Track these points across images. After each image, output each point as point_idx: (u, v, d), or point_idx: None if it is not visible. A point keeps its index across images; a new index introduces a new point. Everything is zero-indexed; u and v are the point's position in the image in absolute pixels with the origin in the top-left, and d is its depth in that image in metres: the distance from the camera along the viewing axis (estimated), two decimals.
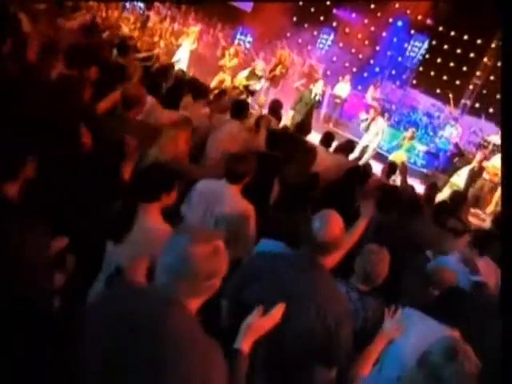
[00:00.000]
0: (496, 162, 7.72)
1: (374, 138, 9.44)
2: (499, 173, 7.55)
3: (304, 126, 5.55)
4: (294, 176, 4.17)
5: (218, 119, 4.88)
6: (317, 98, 9.65)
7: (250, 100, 8.36)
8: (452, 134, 10.74)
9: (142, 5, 13.26)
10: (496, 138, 10.67)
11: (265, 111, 6.24)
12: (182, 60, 9.16)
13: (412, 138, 9.31)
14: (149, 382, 1.20)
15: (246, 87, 8.89)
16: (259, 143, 4.52)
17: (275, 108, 5.37)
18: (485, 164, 7.53)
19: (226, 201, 2.86)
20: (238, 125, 4.49)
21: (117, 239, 2.15)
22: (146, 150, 3.14)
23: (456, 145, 10.24)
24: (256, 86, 9.08)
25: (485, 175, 7.72)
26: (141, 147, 2.84)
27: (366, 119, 9.56)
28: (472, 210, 6.93)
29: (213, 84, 8.75)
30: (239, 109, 4.60)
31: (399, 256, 2.69)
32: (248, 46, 13.45)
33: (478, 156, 7.60)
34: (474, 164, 7.48)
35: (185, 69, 8.85)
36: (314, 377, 1.82)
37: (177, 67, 7.88)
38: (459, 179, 7.21)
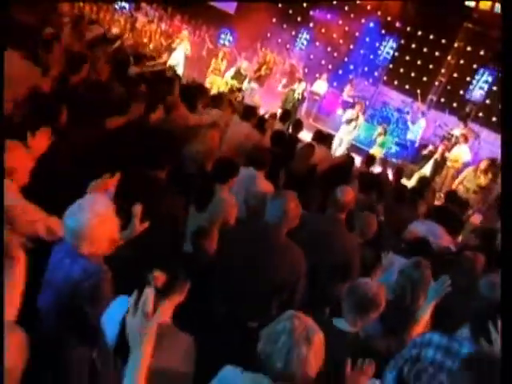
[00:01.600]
0: (456, 151, 9.22)
1: (352, 130, 10.77)
2: (459, 160, 9.14)
3: (298, 125, 6.80)
4: (297, 168, 5.40)
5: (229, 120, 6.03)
6: (297, 97, 10.91)
7: (240, 97, 9.54)
8: (419, 127, 12.23)
9: (126, 5, 14.07)
10: (458, 131, 12.23)
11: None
12: (178, 63, 10.23)
13: (382, 133, 10.64)
14: (266, 271, 2.40)
15: (238, 88, 10.07)
16: (266, 141, 5.72)
17: (285, 116, 6.72)
18: (447, 154, 9.01)
19: (256, 181, 4.06)
20: (249, 126, 5.68)
21: (200, 208, 3.31)
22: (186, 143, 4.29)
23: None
24: (243, 84, 10.28)
25: (448, 163, 9.23)
26: (182, 142, 3.98)
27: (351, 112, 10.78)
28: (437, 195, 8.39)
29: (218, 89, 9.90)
30: (249, 113, 5.83)
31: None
32: (228, 43, 14.53)
33: (440, 148, 9.08)
34: (437, 156, 8.96)
35: (181, 70, 9.93)
36: (337, 288, 3.05)
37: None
38: (426, 169, 8.67)
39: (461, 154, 8.95)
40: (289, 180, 5.42)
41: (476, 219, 7.20)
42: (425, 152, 10.14)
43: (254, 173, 3.92)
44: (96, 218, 1.94)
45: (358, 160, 8.00)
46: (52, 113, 3.11)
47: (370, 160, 6.82)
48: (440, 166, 8.88)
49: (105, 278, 1.96)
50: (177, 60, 10.26)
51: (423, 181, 6.07)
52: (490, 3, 11.10)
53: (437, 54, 15.11)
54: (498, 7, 10.88)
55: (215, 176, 3.29)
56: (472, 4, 11.69)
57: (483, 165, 7.87)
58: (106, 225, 1.98)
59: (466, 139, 9.62)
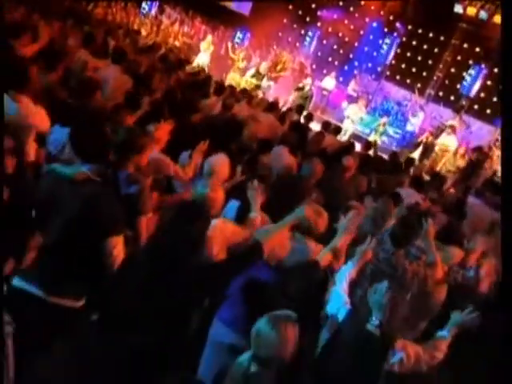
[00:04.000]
0: (444, 140, 11.22)
1: (355, 122, 12.77)
2: (444, 147, 11.15)
3: (309, 117, 8.78)
4: (310, 151, 7.35)
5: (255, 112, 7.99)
6: (308, 93, 12.90)
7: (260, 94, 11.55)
8: (417, 119, 14.18)
9: (146, 7, 15.89)
10: (452, 122, 14.14)
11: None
12: (205, 64, 12.28)
13: (385, 124, 12.66)
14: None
15: (257, 86, 12.07)
16: (285, 129, 7.68)
17: (300, 110, 8.74)
18: (435, 141, 11.04)
19: (284, 155, 6.00)
20: (272, 117, 7.63)
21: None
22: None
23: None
24: (262, 82, 12.29)
25: (436, 149, 11.24)
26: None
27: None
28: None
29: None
30: (272, 106, 7.82)
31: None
32: (239, 41, 16.42)
33: (425, 135, 11.15)
34: (424, 141, 11.06)
35: (206, 70, 11.92)
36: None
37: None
38: (415, 153, 10.79)
39: (448, 142, 10.95)
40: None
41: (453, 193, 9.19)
42: (418, 140, 12.18)
43: (282, 149, 5.89)
44: (222, 164, 3.99)
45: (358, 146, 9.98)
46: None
47: (368, 145, 8.83)
48: (428, 150, 10.92)
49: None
50: (203, 61, 12.25)
51: (408, 161, 8.09)
52: (475, 10, 12.94)
53: (435, 50, 16.78)
54: (482, 14, 12.72)
55: (259, 150, 5.26)
56: (460, 10, 13.52)
57: (461, 151, 9.94)
58: (226, 167, 4.03)
59: (454, 130, 11.56)
